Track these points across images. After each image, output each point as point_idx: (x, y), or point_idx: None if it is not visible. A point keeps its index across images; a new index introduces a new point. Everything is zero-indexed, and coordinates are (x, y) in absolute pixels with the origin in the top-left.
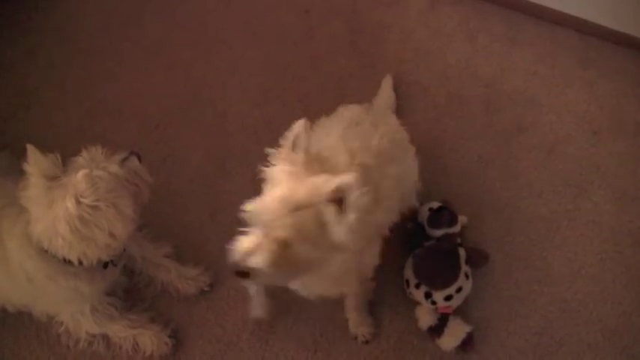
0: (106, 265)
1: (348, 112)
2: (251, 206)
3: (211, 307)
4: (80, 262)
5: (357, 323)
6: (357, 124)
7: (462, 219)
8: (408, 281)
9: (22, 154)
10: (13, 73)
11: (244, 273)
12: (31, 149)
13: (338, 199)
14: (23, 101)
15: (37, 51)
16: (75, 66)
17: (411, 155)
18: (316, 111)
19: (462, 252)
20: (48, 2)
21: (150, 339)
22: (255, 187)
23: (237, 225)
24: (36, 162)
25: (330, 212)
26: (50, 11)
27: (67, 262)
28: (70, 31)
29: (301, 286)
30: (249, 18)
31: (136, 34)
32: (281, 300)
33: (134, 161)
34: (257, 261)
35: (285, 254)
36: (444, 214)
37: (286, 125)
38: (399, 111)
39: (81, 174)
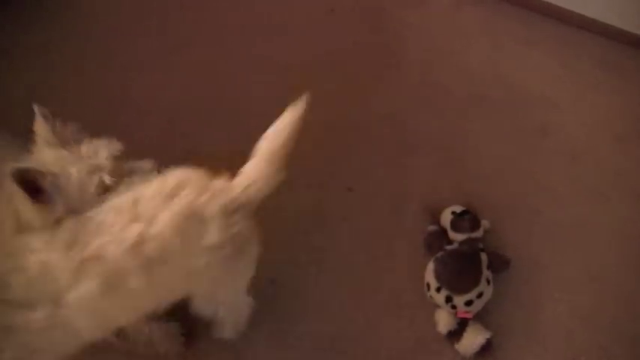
0: None
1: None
2: None
3: None
4: None
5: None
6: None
7: (485, 223)
8: (428, 284)
9: None
10: (30, 67)
11: None
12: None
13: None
14: (43, 94)
15: (58, 46)
16: (97, 61)
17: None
18: (339, 110)
19: (483, 257)
20: None
21: (164, 335)
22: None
23: None
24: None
25: None
26: (73, 5)
27: None
28: (94, 26)
29: None
30: (274, 15)
31: (161, 29)
32: None
33: None
34: None
35: None
36: (466, 219)
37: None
38: (420, 113)
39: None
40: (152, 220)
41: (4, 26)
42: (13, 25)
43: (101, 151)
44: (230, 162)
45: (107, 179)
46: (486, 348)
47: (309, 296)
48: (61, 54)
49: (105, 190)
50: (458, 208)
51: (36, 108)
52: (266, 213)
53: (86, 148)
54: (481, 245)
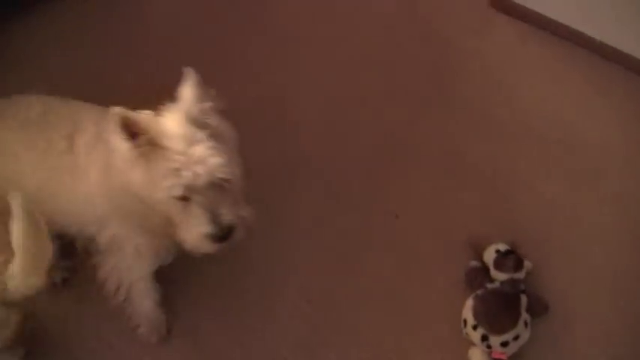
0: None
1: None
2: None
3: None
4: None
5: None
6: None
7: (528, 264)
8: (465, 321)
9: None
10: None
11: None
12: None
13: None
14: (105, 83)
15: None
16: (148, 55)
17: None
18: (391, 134)
19: (523, 299)
20: None
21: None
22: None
23: None
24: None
25: None
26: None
27: None
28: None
29: None
30: (335, 30)
31: (215, 30)
32: None
33: None
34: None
35: None
36: (510, 259)
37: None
38: (473, 144)
39: None
40: None
41: None
42: None
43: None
44: None
45: None
46: None
47: (342, 318)
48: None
49: None
50: (503, 247)
51: (187, 71)
52: (310, 230)
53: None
54: (522, 287)
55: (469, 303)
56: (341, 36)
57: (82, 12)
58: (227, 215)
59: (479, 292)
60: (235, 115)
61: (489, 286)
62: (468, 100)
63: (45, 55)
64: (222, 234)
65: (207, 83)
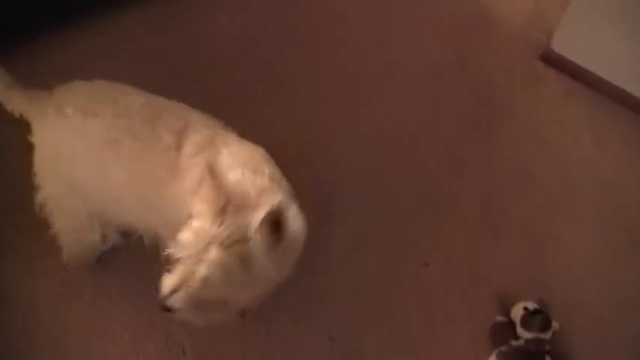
0: None
1: None
2: (179, 239)
3: None
4: None
5: None
6: None
7: (555, 325)
8: None
9: None
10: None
11: (169, 309)
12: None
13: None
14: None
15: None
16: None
17: None
18: (429, 180)
19: (547, 359)
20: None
21: None
22: None
23: None
24: None
25: (259, 245)
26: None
27: None
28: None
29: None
30: (381, 72)
31: (268, 57)
32: None
33: None
34: (177, 301)
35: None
36: (538, 318)
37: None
38: (510, 197)
39: None
40: None
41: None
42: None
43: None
44: None
45: None
46: None
47: None
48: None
49: None
50: (531, 305)
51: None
52: (339, 268)
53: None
54: (547, 347)
55: (492, 359)
56: (389, 79)
57: (134, 27)
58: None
59: (503, 348)
60: (276, 142)
61: (514, 343)
62: (511, 155)
63: (90, 67)
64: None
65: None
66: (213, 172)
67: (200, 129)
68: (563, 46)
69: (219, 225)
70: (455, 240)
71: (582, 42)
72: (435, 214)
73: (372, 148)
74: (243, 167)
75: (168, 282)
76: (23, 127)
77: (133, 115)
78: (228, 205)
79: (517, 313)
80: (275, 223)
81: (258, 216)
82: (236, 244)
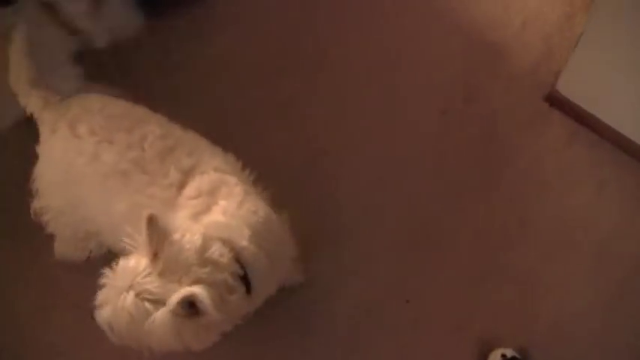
0: None
1: None
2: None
3: None
4: None
5: None
6: None
7: None
8: None
9: None
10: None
11: None
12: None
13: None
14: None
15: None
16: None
17: None
18: (421, 213)
19: None
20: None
21: None
22: None
23: None
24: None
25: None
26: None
27: None
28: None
29: None
30: (382, 108)
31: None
32: None
33: None
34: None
35: None
36: None
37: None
38: (504, 242)
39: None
40: None
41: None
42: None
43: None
44: None
45: None
46: None
47: None
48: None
49: None
50: (509, 352)
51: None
52: (318, 311)
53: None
54: None
55: None
56: (389, 107)
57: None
58: None
59: None
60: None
61: None
62: (508, 196)
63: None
64: None
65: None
66: (152, 222)
67: (209, 170)
68: (568, 88)
69: (147, 275)
70: (441, 278)
71: (588, 85)
72: (425, 249)
73: (370, 179)
74: (216, 235)
75: (98, 296)
76: (22, 129)
77: (146, 148)
78: (158, 257)
79: (494, 359)
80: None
81: (175, 297)
82: (151, 302)
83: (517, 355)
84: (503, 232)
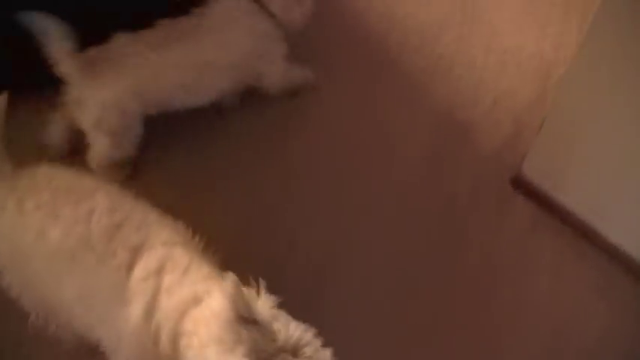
0: None
1: None
2: None
3: None
4: None
5: None
6: None
7: None
8: None
9: None
10: None
11: None
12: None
13: None
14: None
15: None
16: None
17: None
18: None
19: None
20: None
21: None
22: None
23: None
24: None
25: None
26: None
27: None
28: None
29: None
30: (392, 196)
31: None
32: None
33: None
34: None
35: None
36: None
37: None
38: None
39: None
40: None
41: None
42: None
43: None
44: None
45: None
46: None
47: None
48: None
49: None
50: None
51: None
52: None
53: None
54: None
55: None
56: (399, 196)
57: None
58: None
59: None
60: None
61: None
62: (463, 282)
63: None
64: None
65: None
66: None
67: (156, 246)
68: (532, 171)
69: None
70: None
71: (551, 169)
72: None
73: (324, 254)
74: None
75: None
76: None
77: (93, 222)
78: None
79: None
80: None
81: None
82: None
83: None
84: (455, 318)
